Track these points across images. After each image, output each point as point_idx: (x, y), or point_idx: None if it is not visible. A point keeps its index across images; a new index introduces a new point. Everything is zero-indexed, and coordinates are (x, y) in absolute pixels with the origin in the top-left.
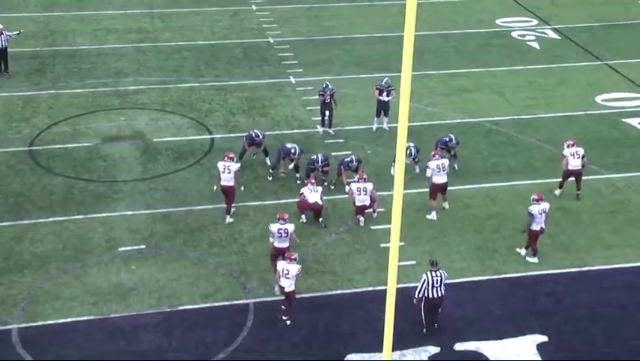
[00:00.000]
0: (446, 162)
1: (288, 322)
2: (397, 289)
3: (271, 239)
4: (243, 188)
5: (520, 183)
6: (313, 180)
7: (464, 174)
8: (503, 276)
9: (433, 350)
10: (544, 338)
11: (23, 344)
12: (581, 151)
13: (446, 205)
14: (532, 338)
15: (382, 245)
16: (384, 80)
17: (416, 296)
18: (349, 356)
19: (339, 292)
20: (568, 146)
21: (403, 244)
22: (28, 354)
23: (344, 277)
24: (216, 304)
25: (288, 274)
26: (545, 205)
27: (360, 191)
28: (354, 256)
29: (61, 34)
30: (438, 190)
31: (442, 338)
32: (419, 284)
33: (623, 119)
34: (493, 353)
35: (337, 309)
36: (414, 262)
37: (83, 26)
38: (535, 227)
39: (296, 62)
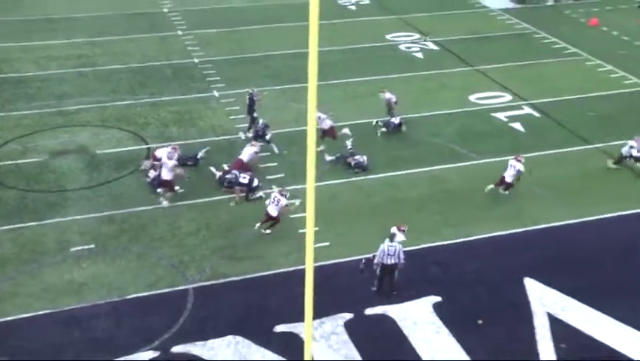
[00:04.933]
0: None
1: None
2: (315, 267)
3: (267, 201)
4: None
5: (414, 171)
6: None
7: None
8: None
9: (348, 315)
10: (439, 299)
11: None
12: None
13: None
14: (428, 300)
15: (300, 231)
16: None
17: (375, 262)
18: (277, 328)
19: (266, 273)
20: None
21: (317, 229)
22: None
23: (270, 261)
24: (159, 291)
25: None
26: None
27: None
28: (278, 242)
29: (7, 63)
30: None
31: (354, 305)
32: (377, 253)
33: (492, 114)
34: (397, 314)
35: (265, 288)
36: (328, 244)
37: (29, 55)
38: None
39: (219, 78)
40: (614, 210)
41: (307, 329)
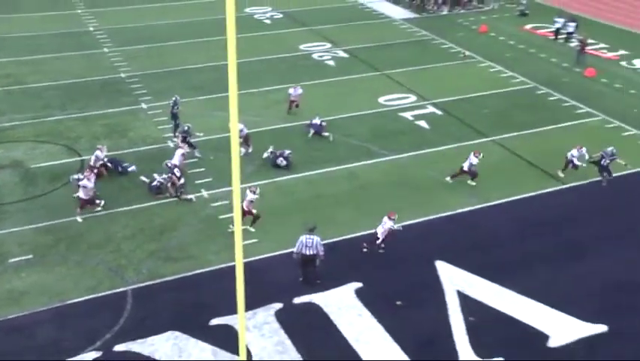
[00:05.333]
0: None
1: None
2: (245, 263)
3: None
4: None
5: (332, 169)
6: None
7: (291, 169)
8: (323, 242)
9: (278, 305)
10: (360, 284)
11: None
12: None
13: None
14: (350, 286)
15: (229, 230)
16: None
17: (295, 252)
18: (213, 321)
19: (199, 271)
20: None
21: (245, 227)
22: None
23: (202, 260)
24: (100, 294)
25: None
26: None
27: None
28: (209, 242)
29: None
30: None
31: (283, 295)
32: (297, 244)
33: (400, 114)
34: (322, 301)
35: (200, 286)
36: (256, 240)
37: None
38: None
39: (145, 91)
40: (510, 195)
41: (240, 320)
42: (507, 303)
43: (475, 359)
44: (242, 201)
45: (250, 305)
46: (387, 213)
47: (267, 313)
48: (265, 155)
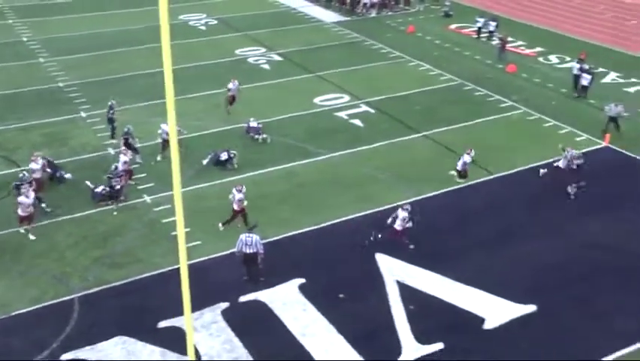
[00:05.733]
0: None
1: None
2: (189, 264)
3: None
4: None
5: (272, 169)
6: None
7: (232, 170)
8: (267, 240)
9: (224, 305)
10: (303, 280)
11: None
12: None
13: None
14: (294, 282)
15: (173, 233)
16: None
17: (236, 251)
18: (160, 324)
19: (145, 275)
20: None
21: (189, 229)
22: None
23: (148, 264)
24: (45, 304)
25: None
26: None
27: None
28: (153, 246)
29: None
30: None
31: (229, 294)
32: (237, 243)
33: (335, 113)
34: (267, 298)
35: (146, 290)
36: (200, 242)
37: None
38: None
39: (84, 100)
40: (442, 187)
41: (187, 321)
42: (444, 290)
43: (417, 345)
44: (232, 203)
45: (197, 306)
46: (401, 205)
47: (214, 313)
48: (205, 162)
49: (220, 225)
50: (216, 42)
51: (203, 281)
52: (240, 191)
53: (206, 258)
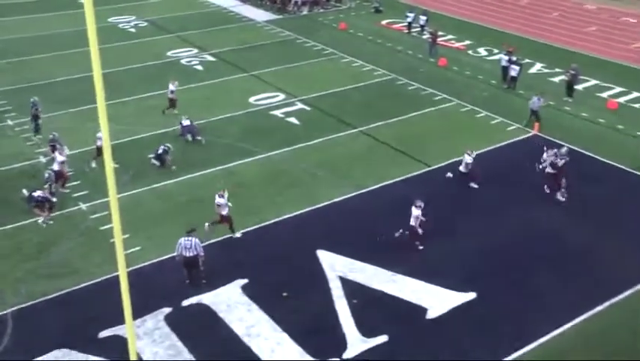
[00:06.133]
0: None
1: None
2: (129, 271)
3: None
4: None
5: (210, 170)
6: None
7: (165, 171)
8: (207, 242)
9: (167, 310)
10: (246, 280)
11: None
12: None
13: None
14: (237, 283)
15: (111, 240)
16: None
17: (176, 255)
18: (101, 334)
19: (84, 285)
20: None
21: (127, 236)
22: None
23: (85, 273)
24: None
25: (219, 204)
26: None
27: None
28: (91, 254)
29: None
30: None
31: (171, 299)
32: (176, 247)
33: (270, 112)
34: (210, 300)
35: (85, 299)
36: (139, 248)
37: None
38: None
39: (10, 107)
40: (381, 181)
41: (128, 328)
42: (386, 283)
43: (362, 339)
44: (218, 208)
45: (139, 313)
46: (414, 202)
47: (157, 319)
48: (156, 163)
49: (206, 225)
50: (147, 44)
51: (144, 287)
52: (221, 196)
53: (147, 263)
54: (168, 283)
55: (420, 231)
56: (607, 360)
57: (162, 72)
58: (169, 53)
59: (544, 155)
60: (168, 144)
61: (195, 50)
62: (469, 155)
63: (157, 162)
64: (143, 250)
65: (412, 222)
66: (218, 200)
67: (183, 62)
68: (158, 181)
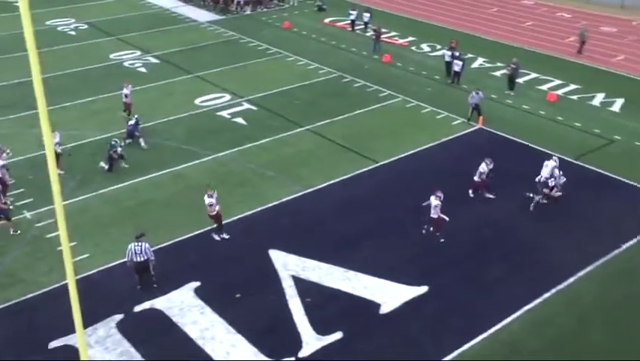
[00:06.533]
0: None
1: None
2: (78, 278)
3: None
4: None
5: (156, 174)
6: None
7: (112, 176)
8: (157, 247)
9: (118, 317)
10: (198, 283)
11: None
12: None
13: None
14: (189, 286)
15: (59, 248)
16: None
17: (127, 261)
18: (51, 344)
19: (32, 295)
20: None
21: (75, 243)
22: None
23: (33, 282)
24: None
25: (210, 205)
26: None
27: None
28: (38, 263)
29: None
30: None
31: (123, 305)
32: (127, 253)
33: (217, 113)
34: (163, 305)
35: (34, 309)
36: (87, 255)
37: None
38: None
39: None
40: (330, 179)
41: (79, 337)
42: (339, 280)
43: (317, 336)
44: (210, 208)
45: (89, 321)
46: (433, 192)
47: (109, 326)
48: (105, 165)
49: (215, 236)
50: (89, 47)
51: (94, 295)
52: (210, 196)
53: (96, 270)
54: (119, 289)
55: (446, 218)
56: (554, 347)
57: (105, 75)
58: (111, 56)
59: (541, 175)
60: (115, 139)
61: (138, 52)
62: (488, 164)
63: (105, 166)
64: (91, 257)
65: (432, 213)
66: (208, 200)
67: (126, 64)
68: (105, 186)
